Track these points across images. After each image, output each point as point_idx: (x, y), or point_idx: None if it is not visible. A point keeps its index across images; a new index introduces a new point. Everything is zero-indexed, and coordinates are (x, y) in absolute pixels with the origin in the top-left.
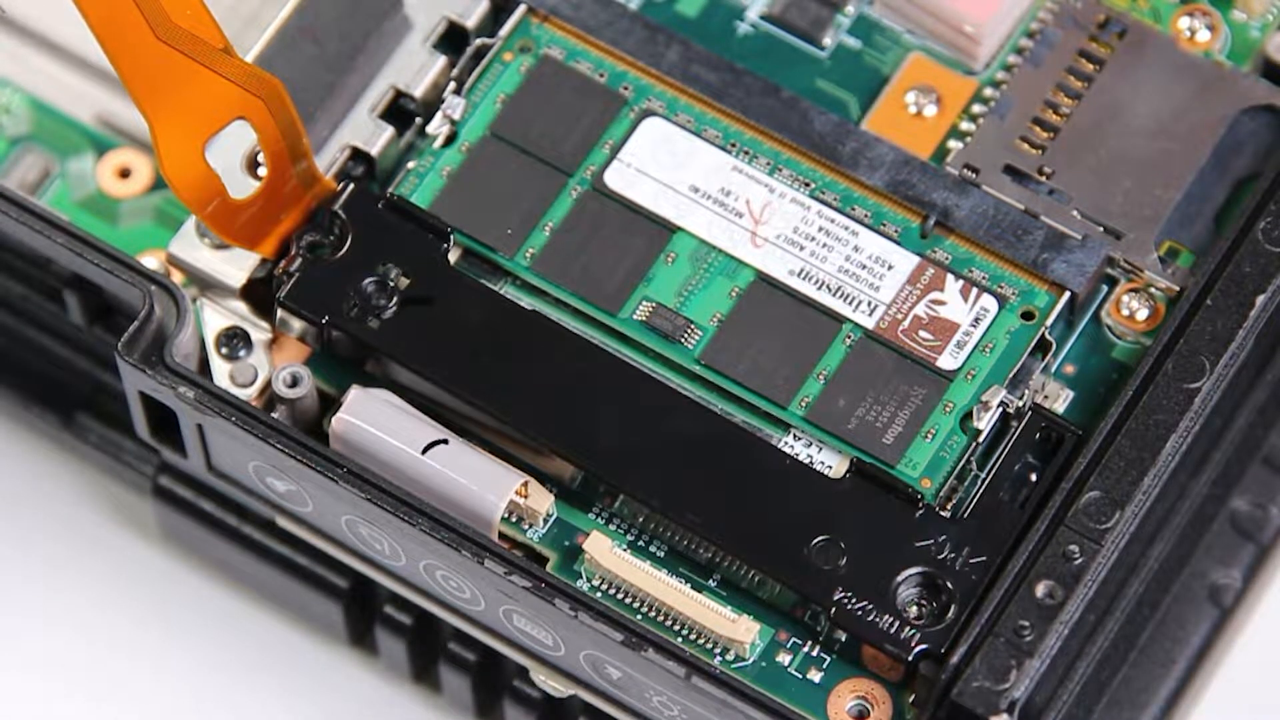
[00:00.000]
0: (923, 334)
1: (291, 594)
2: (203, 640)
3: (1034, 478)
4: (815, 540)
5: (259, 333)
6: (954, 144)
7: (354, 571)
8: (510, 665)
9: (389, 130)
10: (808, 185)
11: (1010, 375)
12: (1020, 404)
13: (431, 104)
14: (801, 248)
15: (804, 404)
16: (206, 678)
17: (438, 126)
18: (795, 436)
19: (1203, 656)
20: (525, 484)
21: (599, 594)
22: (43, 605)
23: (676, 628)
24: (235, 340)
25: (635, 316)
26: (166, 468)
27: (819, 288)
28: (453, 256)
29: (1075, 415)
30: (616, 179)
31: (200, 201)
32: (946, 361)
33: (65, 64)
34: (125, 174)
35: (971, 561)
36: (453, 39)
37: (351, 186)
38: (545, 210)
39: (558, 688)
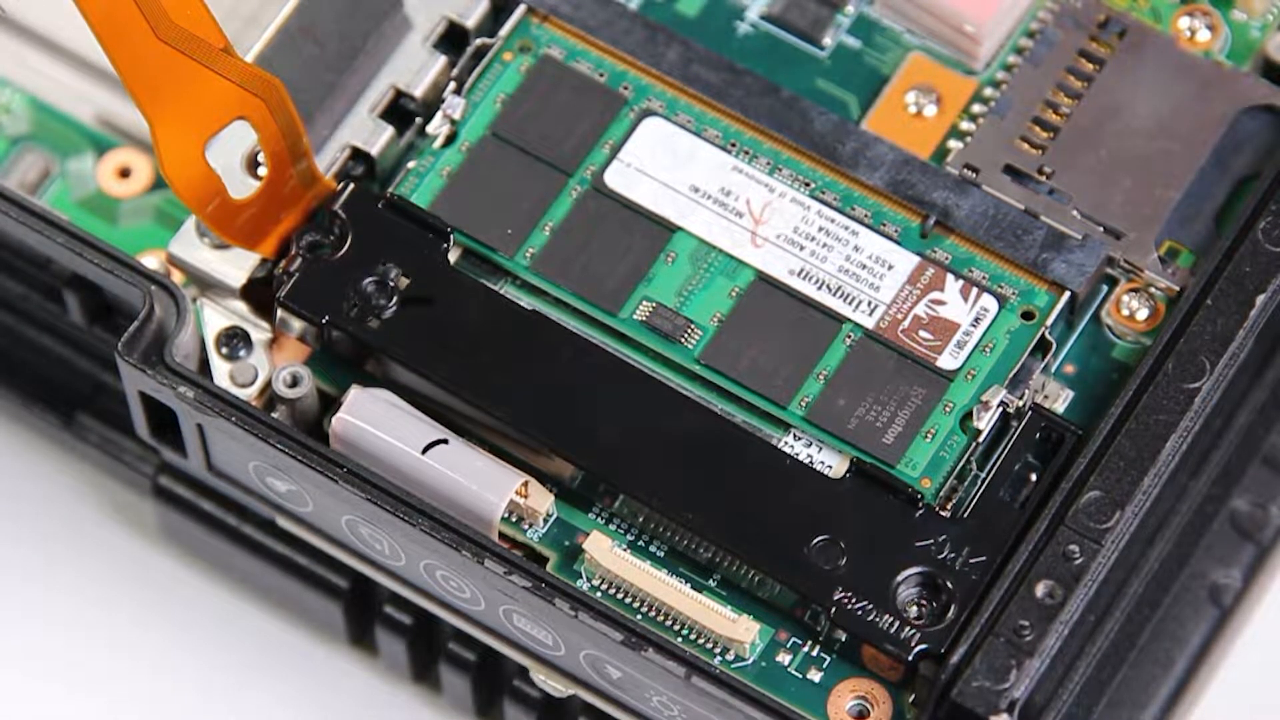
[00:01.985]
0: (923, 334)
1: (292, 593)
2: (203, 640)
3: (1034, 478)
4: (815, 540)
5: (259, 332)
6: (954, 144)
7: (354, 571)
8: (510, 665)
9: (389, 130)
10: (808, 185)
11: (1010, 375)
12: (1020, 404)
13: (431, 104)
14: (801, 248)
15: (804, 404)
16: (207, 677)
17: (438, 126)
18: (795, 436)
19: (1202, 656)
20: (525, 484)
21: (599, 594)
22: (42, 604)
23: (676, 627)
24: (235, 340)
25: (635, 316)
26: (166, 467)
27: (819, 287)
28: (453, 256)
29: (1075, 415)
30: (616, 179)
31: (200, 201)
32: (946, 361)
33: (65, 63)
34: (125, 173)
35: (971, 561)
36: (453, 39)
37: (351, 187)
38: (545, 210)
39: (558, 687)
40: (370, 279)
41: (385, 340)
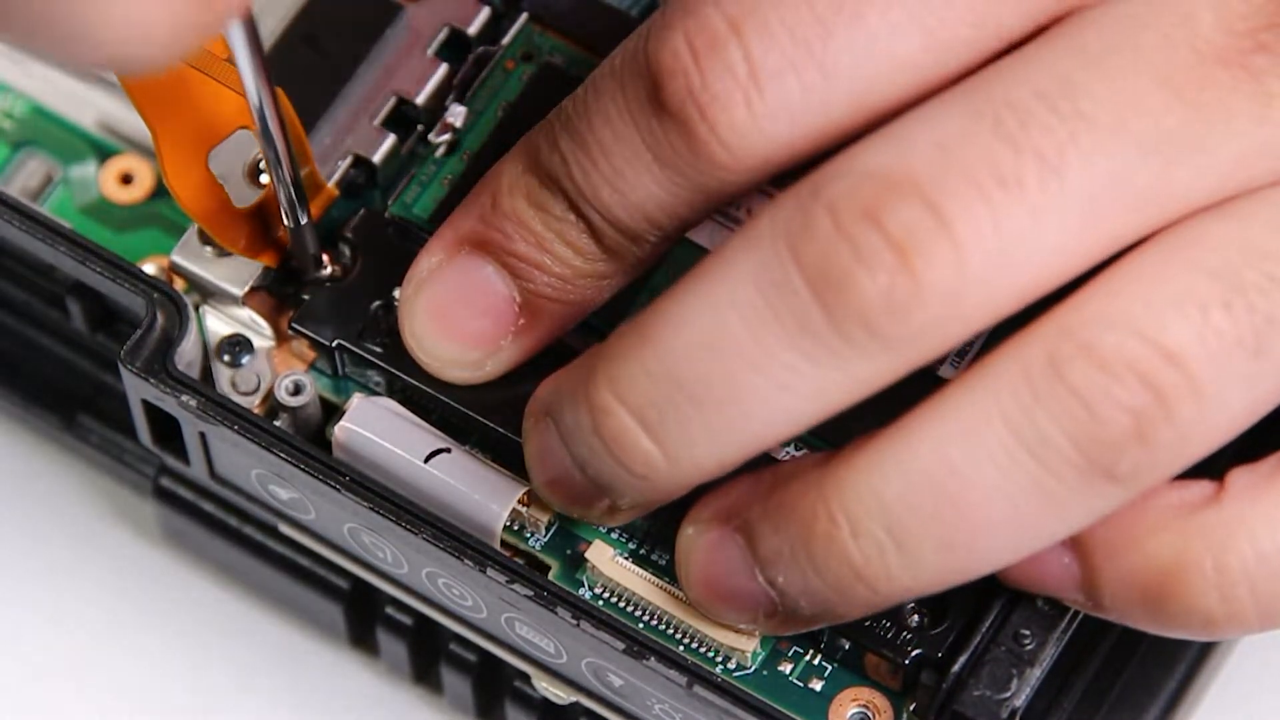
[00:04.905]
0: None
1: (292, 595)
2: (203, 640)
3: None
4: None
5: (261, 340)
6: None
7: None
8: (511, 666)
9: (391, 138)
10: None
11: None
12: None
13: (433, 112)
14: None
15: None
16: (207, 678)
17: (440, 135)
18: (796, 446)
19: (1204, 657)
20: (527, 492)
21: (601, 602)
22: (43, 605)
23: (678, 636)
24: (238, 348)
25: None
26: (167, 469)
27: None
28: None
29: None
30: None
31: (203, 210)
32: (947, 372)
33: (67, 69)
34: (127, 180)
35: None
36: (455, 46)
37: (363, 211)
38: None
39: (559, 695)
40: (378, 302)
41: (394, 360)
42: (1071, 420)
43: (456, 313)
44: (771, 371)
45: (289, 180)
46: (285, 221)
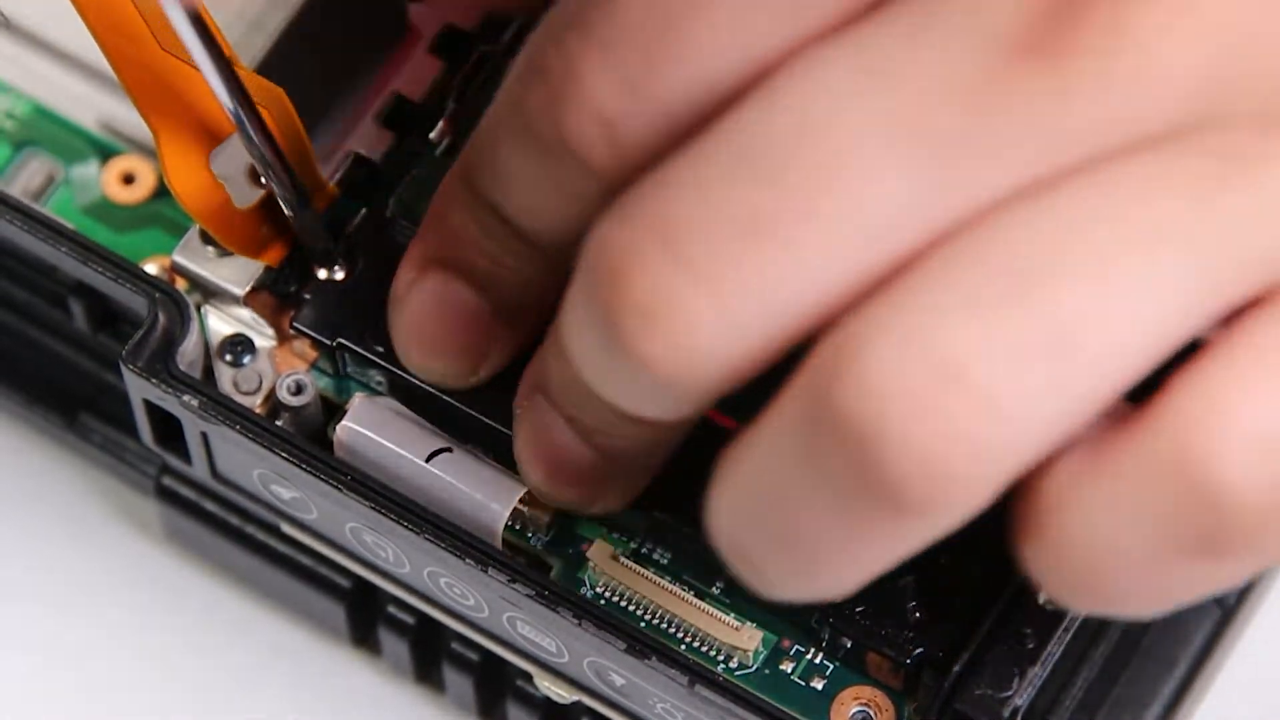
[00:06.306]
0: None
1: (294, 593)
2: (204, 639)
3: None
4: None
5: (263, 340)
6: None
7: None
8: (514, 666)
9: (391, 137)
10: None
11: None
12: None
13: (434, 110)
14: None
15: None
16: (208, 677)
17: (440, 133)
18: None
19: (1205, 656)
20: (529, 491)
21: (603, 601)
22: (44, 604)
23: (680, 635)
24: (239, 347)
25: None
26: (169, 469)
27: None
28: None
29: None
30: None
31: (204, 210)
32: None
33: (69, 69)
34: (129, 180)
35: (972, 567)
36: (455, 45)
37: (364, 211)
38: None
39: (561, 694)
40: (380, 301)
41: (396, 360)
42: (850, 463)
43: (435, 331)
44: None
45: (277, 168)
46: (286, 210)
